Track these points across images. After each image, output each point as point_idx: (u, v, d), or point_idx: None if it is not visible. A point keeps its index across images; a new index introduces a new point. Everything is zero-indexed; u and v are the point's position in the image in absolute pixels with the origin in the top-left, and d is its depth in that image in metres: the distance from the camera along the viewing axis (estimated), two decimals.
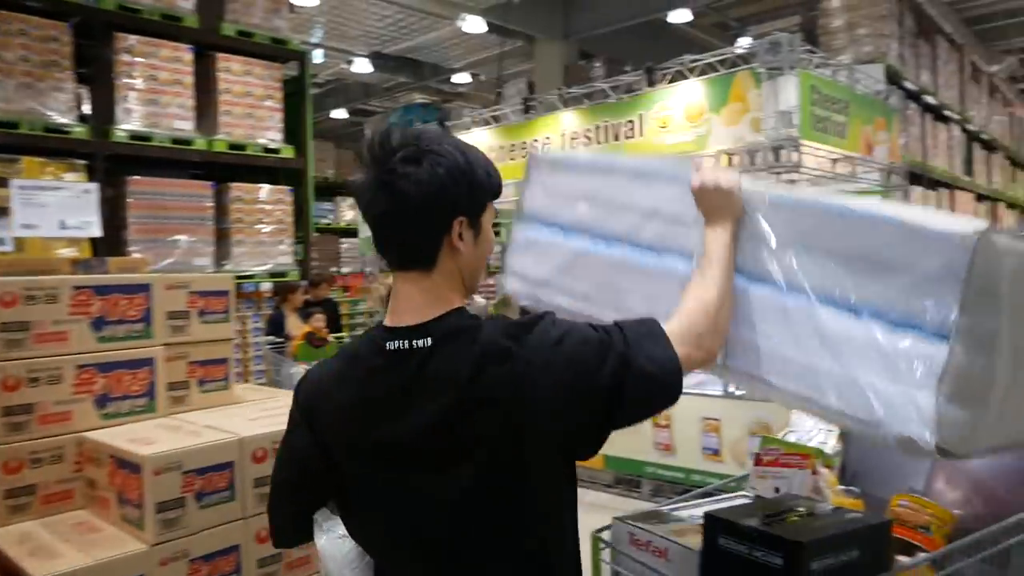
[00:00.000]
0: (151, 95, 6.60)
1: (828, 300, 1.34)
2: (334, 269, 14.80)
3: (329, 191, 15.12)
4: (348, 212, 15.09)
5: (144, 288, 2.29)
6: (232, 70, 7.14)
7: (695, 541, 1.51)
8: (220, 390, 2.51)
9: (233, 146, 7.10)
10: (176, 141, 6.73)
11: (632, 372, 1.25)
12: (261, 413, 2.33)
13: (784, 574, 1.31)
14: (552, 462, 1.29)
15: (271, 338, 6.26)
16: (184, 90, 6.82)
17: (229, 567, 2.02)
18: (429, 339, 1.26)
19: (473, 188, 1.30)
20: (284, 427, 2.33)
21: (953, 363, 1.17)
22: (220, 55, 7.01)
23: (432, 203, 1.26)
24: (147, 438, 2.04)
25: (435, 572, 1.31)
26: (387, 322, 1.33)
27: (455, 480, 1.25)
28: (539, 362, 1.23)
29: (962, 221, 1.22)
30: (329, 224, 15.02)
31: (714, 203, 1.51)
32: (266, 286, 7.11)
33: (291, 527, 1.47)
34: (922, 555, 1.53)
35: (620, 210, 1.66)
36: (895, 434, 1.21)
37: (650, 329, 1.33)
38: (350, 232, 14.75)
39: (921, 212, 1.40)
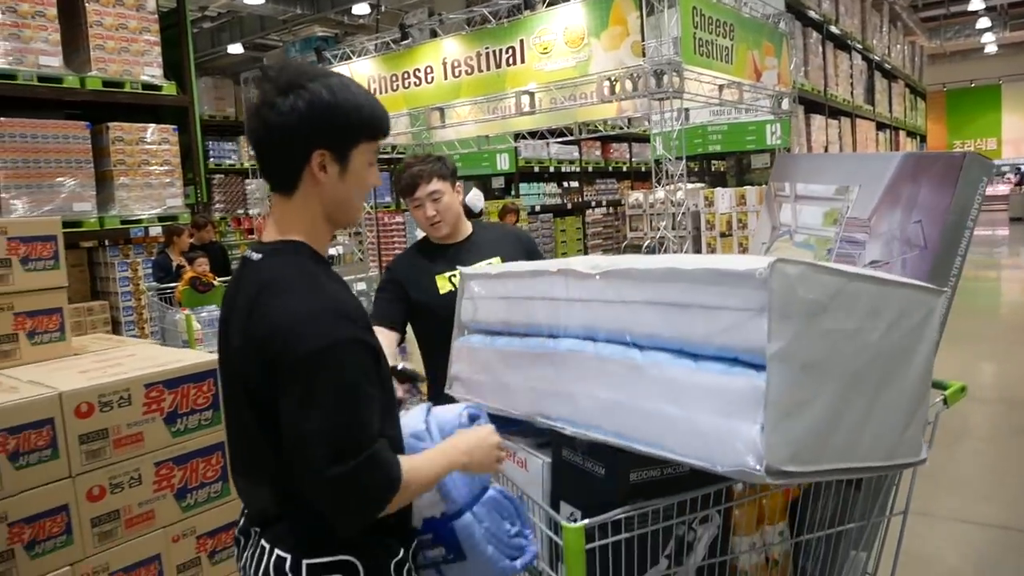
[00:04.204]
0: (12, 28, 6.09)
1: (667, 350, 1.43)
2: (241, 211, 14.28)
3: (232, 130, 14.45)
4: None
5: None
6: (101, 0, 6.65)
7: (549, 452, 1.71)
8: (55, 342, 2.33)
9: (109, 83, 6.66)
10: (44, 79, 6.26)
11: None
12: (96, 365, 2.19)
13: (607, 481, 1.51)
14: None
15: (156, 284, 5.97)
16: (48, 23, 6.32)
17: (57, 528, 1.90)
18: (260, 255, 1.45)
19: (336, 124, 1.39)
20: (120, 377, 2.19)
21: (771, 390, 1.23)
22: None
23: (290, 134, 1.37)
24: None
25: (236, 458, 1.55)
26: None
27: (239, 384, 1.42)
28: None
29: (761, 259, 1.29)
30: (233, 165, 14.39)
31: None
32: (156, 230, 6.81)
33: None
34: None
35: (520, 303, 1.82)
36: (729, 468, 1.26)
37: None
38: (255, 172, 14.18)
39: (723, 257, 1.50)
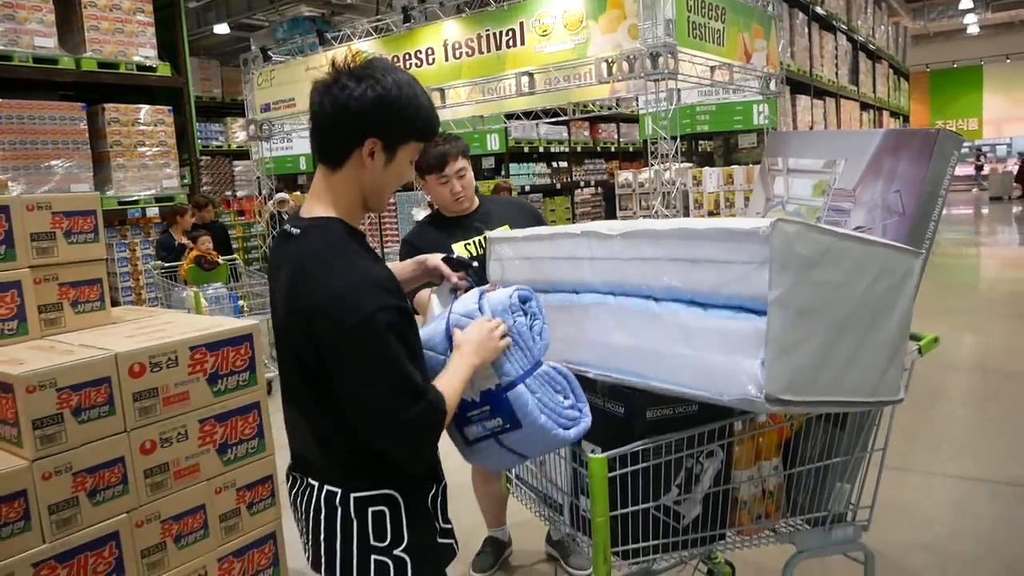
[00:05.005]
0: (6, 10, 6.13)
1: (680, 300, 1.61)
2: (229, 192, 14.27)
3: (218, 111, 14.42)
4: (240, 133, 14.42)
5: (3, 209, 2.22)
6: None
7: None
8: (96, 311, 2.47)
9: (104, 65, 6.71)
10: (40, 60, 6.30)
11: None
12: (137, 331, 2.33)
13: (627, 418, 1.69)
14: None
15: (160, 263, 6.08)
16: (43, 4, 6.36)
17: (115, 478, 2.06)
18: (299, 229, 1.55)
19: (395, 120, 1.50)
20: (167, 340, 2.35)
21: (771, 330, 1.43)
22: None
23: (352, 117, 1.48)
24: (18, 359, 2.02)
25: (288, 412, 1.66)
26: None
27: (287, 344, 1.57)
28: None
29: (763, 220, 1.48)
30: (220, 146, 14.37)
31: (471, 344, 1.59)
32: (153, 211, 6.89)
33: None
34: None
35: (543, 262, 2.00)
36: (734, 397, 1.45)
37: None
38: (242, 154, 14.17)
39: (728, 220, 1.70)
